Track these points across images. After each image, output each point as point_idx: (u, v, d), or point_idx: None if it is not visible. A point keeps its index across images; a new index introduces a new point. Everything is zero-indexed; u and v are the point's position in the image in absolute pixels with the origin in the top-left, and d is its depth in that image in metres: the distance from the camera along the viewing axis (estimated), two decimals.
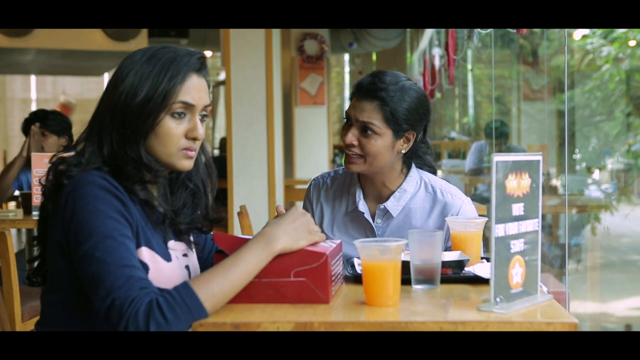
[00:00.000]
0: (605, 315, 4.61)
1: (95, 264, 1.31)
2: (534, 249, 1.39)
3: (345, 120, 1.93)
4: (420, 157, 2.01)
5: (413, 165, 2.00)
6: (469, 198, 2.00)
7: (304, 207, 2.09)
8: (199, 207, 1.58)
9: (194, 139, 1.46)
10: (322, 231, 2.00)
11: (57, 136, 3.95)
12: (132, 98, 1.41)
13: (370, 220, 1.97)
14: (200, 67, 1.47)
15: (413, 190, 1.96)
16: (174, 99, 1.42)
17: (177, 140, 1.45)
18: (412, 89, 1.90)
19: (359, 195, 1.98)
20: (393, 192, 1.96)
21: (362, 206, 1.97)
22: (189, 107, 1.45)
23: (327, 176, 2.08)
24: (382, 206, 1.96)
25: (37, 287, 1.56)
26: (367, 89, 1.87)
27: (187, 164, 1.48)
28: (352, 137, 1.88)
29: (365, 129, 1.87)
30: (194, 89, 1.45)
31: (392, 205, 1.95)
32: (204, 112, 1.49)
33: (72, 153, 1.48)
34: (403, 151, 1.93)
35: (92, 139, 1.46)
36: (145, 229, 1.44)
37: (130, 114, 1.42)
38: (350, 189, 2.01)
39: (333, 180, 2.06)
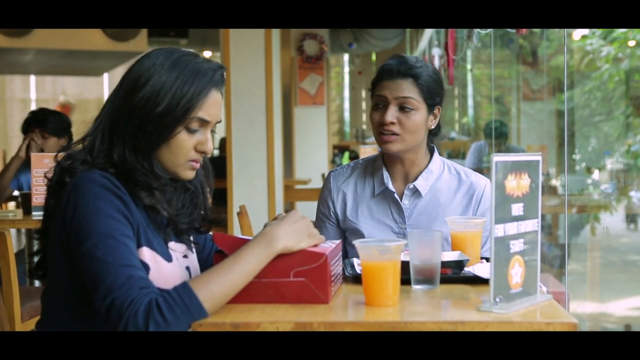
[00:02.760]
0: (604, 315, 4.61)
1: (96, 263, 1.31)
2: (533, 249, 1.39)
3: (376, 104, 1.98)
4: (436, 134, 2.08)
5: (435, 148, 2.07)
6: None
7: (323, 198, 2.12)
8: (197, 207, 1.58)
9: (202, 152, 1.48)
10: (347, 218, 2.06)
11: (57, 138, 3.94)
12: (152, 107, 1.41)
13: (399, 201, 2.01)
14: (222, 82, 1.48)
15: (438, 172, 2.04)
16: (193, 114, 1.43)
17: (187, 152, 1.46)
18: (429, 66, 2.01)
19: (387, 177, 2.02)
20: (421, 172, 2.02)
21: (392, 187, 2.02)
22: (204, 123, 1.46)
23: (347, 167, 2.13)
24: (411, 185, 2.01)
25: (37, 280, 1.56)
26: (398, 69, 1.95)
27: (190, 175, 1.50)
28: (391, 115, 1.94)
29: (403, 107, 1.93)
30: (212, 106, 1.46)
31: (421, 184, 2.01)
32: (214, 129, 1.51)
33: (78, 147, 1.47)
34: (432, 127, 2.01)
35: (103, 138, 1.45)
36: (146, 229, 1.45)
37: (148, 123, 1.42)
38: (374, 174, 2.06)
39: (353, 170, 2.11)
